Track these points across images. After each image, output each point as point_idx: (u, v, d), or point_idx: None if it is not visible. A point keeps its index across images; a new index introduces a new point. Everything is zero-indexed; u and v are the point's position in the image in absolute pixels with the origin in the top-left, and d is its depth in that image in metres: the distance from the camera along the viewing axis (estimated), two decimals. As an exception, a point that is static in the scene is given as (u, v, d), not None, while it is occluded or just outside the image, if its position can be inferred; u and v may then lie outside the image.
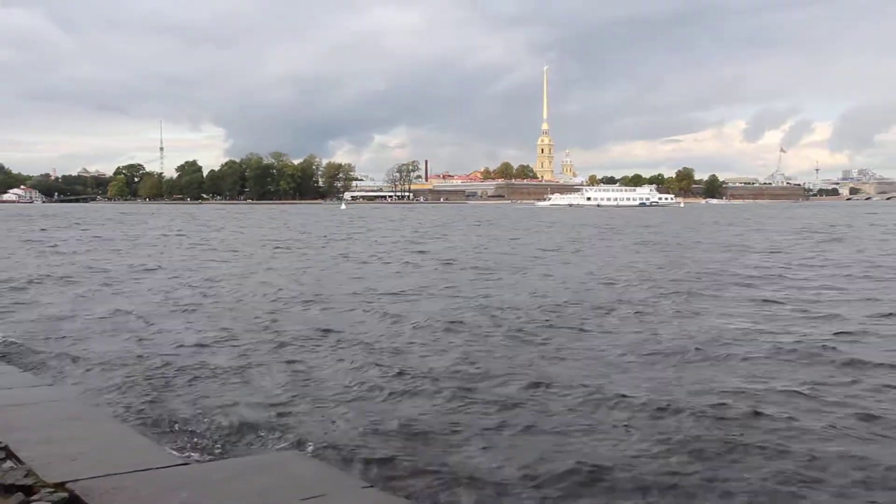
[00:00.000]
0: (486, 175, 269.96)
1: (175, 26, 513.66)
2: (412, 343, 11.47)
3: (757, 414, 7.58)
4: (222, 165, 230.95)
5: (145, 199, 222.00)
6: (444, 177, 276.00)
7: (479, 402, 8.14)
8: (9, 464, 4.93)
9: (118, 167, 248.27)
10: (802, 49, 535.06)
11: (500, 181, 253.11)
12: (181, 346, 11.25)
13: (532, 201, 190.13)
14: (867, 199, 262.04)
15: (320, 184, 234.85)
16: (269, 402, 8.15)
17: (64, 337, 11.90)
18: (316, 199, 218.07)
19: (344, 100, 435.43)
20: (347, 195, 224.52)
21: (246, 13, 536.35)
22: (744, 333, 11.97)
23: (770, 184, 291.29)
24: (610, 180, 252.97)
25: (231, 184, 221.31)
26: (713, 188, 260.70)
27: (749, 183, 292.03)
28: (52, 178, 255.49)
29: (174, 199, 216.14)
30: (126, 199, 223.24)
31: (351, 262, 27.21)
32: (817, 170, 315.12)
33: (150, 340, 11.64)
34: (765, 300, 15.88)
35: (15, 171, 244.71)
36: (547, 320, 13.31)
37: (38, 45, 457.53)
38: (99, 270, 23.03)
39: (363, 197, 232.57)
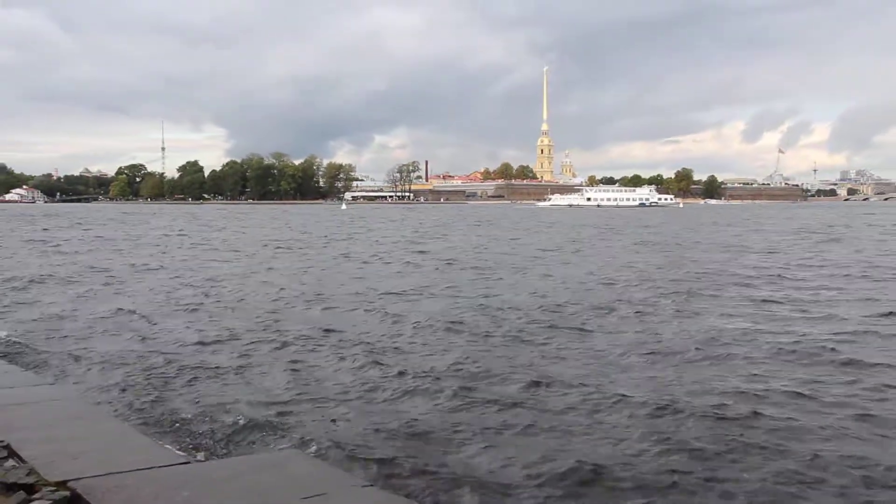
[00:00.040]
0: (487, 175, 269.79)
1: (175, 27, 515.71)
2: (413, 343, 11.48)
3: (757, 414, 7.59)
4: (223, 165, 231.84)
5: (147, 199, 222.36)
6: (444, 177, 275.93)
7: (479, 401, 8.15)
8: (10, 462, 4.94)
9: (120, 167, 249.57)
10: (802, 50, 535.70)
11: (500, 181, 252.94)
12: (183, 345, 11.27)
13: (532, 201, 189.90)
14: (865, 199, 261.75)
15: (321, 184, 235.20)
16: (271, 402, 8.17)
17: (66, 336, 11.92)
18: (317, 199, 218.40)
19: (344, 100, 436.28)
20: (348, 195, 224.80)
21: (246, 13, 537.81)
22: (743, 333, 11.99)
23: (768, 184, 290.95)
24: (609, 181, 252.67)
25: (232, 184, 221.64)
26: (712, 189, 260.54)
27: (748, 183, 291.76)
28: (54, 178, 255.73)
29: (176, 199, 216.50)
30: (128, 199, 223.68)
31: (352, 261, 27.23)
32: (815, 170, 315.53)
33: (151, 340, 11.67)
34: (764, 300, 15.89)
35: (17, 172, 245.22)
36: (547, 320, 13.32)
37: (38, 46, 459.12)
38: (101, 270, 23.07)
39: (364, 197, 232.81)
